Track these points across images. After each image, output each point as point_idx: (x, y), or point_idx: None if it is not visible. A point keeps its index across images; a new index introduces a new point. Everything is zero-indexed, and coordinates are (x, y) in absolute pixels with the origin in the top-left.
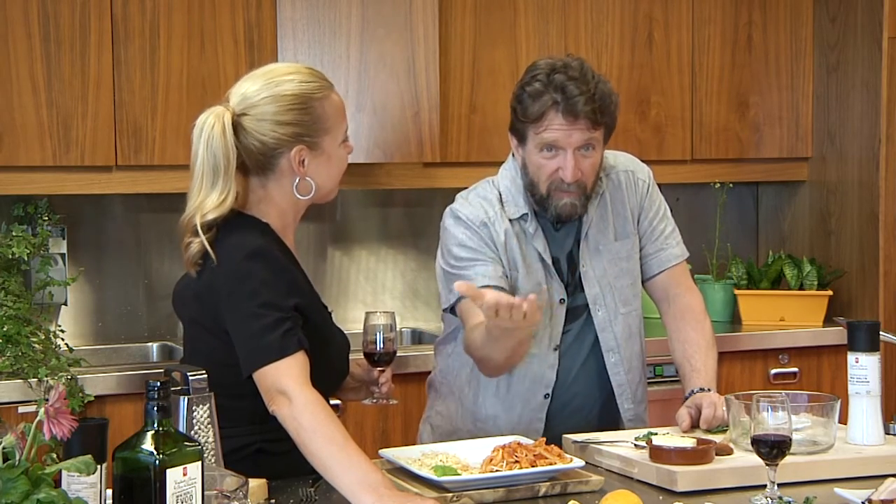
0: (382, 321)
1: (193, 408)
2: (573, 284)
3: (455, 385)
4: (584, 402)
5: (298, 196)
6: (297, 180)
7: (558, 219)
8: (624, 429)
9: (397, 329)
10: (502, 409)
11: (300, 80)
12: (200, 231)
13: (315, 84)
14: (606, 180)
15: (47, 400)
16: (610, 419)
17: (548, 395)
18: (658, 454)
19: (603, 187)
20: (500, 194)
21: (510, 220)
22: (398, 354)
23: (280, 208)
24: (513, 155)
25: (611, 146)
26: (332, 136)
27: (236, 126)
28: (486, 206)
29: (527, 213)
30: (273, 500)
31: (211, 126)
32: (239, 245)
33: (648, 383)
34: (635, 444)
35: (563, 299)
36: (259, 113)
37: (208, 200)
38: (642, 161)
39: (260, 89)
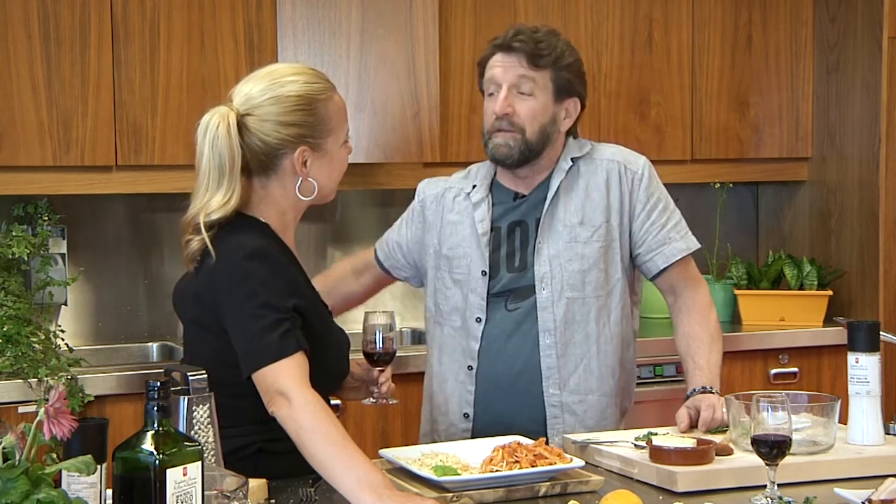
0: (382, 321)
1: (193, 408)
2: (523, 261)
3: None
4: (518, 380)
5: (301, 197)
6: (299, 181)
7: (493, 159)
8: (546, 416)
9: (397, 329)
10: (437, 385)
11: (304, 81)
12: (203, 229)
13: (319, 85)
14: (587, 165)
15: (47, 400)
16: (536, 402)
17: (471, 366)
18: (658, 454)
19: (575, 167)
20: (468, 173)
21: (466, 194)
22: (398, 354)
23: (280, 208)
24: None
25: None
26: (335, 137)
27: (240, 126)
28: (441, 183)
29: (476, 185)
30: (273, 500)
31: (216, 126)
32: (239, 245)
33: (649, 383)
34: (635, 444)
35: (485, 272)
36: (263, 113)
37: (213, 201)
38: None
39: (264, 90)
